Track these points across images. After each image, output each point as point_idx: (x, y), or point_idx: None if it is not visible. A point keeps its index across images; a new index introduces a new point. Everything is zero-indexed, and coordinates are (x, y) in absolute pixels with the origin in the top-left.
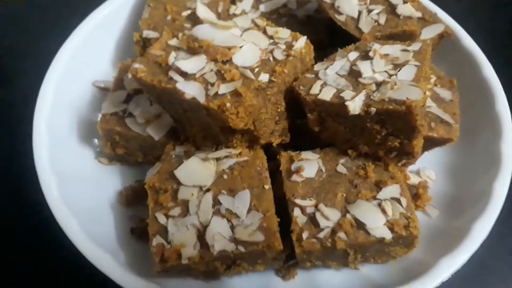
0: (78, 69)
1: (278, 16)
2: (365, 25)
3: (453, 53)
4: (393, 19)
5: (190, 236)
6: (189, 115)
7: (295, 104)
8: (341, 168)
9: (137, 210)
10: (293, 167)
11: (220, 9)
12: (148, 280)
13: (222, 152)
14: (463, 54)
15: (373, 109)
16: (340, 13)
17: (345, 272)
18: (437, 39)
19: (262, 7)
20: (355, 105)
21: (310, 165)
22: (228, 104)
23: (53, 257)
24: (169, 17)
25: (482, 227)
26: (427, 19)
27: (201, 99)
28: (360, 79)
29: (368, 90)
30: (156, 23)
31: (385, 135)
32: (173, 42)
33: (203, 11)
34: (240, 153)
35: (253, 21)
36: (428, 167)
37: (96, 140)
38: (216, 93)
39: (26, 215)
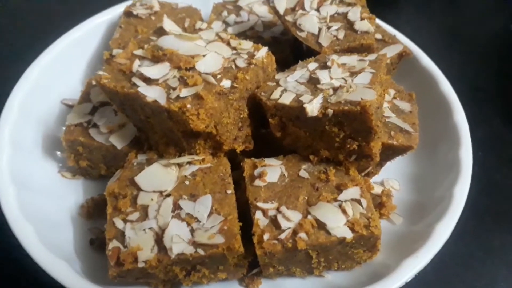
0: (47, 86)
1: (245, 38)
2: (325, 40)
3: (413, 72)
4: (351, 34)
5: (148, 239)
6: (151, 121)
7: (259, 112)
8: (303, 173)
9: (98, 223)
10: (256, 172)
11: (186, 25)
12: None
13: (184, 158)
14: (422, 72)
15: (330, 111)
16: (301, 30)
17: (310, 279)
18: (396, 59)
19: (230, 30)
20: (313, 107)
21: (273, 170)
22: (188, 105)
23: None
24: (139, 37)
25: (444, 229)
26: (386, 41)
27: (162, 101)
28: (318, 85)
29: (325, 94)
30: (125, 42)
31: (344, 138)
32: (138, 52)
33: (169, 25)
34: (203, 160)
35: (217, 34)
36: (392, 178)
37: (60, 154)
38: (178, 96)
39: None
